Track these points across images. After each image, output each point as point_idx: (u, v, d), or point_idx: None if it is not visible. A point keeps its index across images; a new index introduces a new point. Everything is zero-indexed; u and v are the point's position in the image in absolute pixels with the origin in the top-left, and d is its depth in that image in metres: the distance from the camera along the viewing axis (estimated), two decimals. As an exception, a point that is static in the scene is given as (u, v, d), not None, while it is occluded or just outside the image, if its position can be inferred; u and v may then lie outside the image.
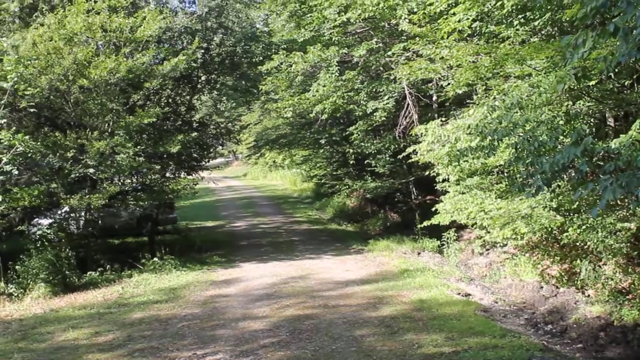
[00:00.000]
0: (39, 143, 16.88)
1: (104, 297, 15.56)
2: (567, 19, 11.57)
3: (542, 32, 14.26)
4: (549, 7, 12.60)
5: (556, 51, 10.80)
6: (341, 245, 24.11)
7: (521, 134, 8.96)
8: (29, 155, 16.44)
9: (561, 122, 9.48)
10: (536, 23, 13.20)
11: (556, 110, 10.16)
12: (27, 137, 15.95)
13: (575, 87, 10.11)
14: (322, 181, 35.98)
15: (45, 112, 18.95)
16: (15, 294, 15.68)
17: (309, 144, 34.06)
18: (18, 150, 15.83)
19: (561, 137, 8.81)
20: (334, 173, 32.12)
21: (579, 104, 11.22)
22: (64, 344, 11.36)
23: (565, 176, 8.57)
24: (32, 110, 17.37)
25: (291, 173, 50.81)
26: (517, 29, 13.83)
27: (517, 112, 9.71)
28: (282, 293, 14.94)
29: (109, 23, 18.62)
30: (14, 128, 16.48)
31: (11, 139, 15.51)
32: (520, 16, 13.56)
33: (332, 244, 24.60)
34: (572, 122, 9.71)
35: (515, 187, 9.22)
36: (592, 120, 12.10)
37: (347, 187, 28.74)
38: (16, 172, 16.47)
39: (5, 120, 16.40)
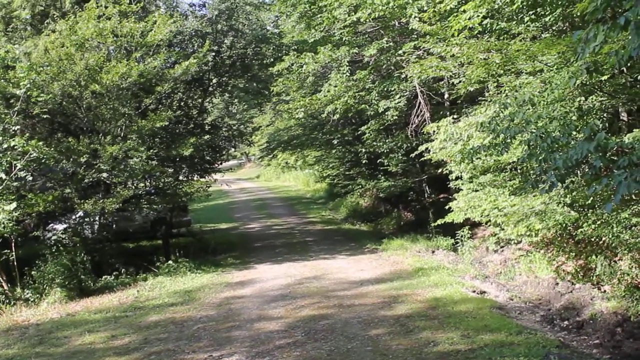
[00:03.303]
0: (52, 149, 17.00)
1: (120, 301, 15.61)
2: (578, 13, 11.53)
3: (553, 28, 14.21)
4: (559, 3, 12.54)
5: (567, 47, 10.75)
6: (355, 244, 24.10)
7: (534, 131, 8.93)
8: (43, 161, 16.53)
9: (574, 118, 9.43)
10: (547, 19, 13.15)
11: (568, 106, 10.11)
12: (40, 143, 16.05)
13: (588, 82, 10.05)
14: (335, 181, 35.94)
15: (58, 118, 19.06)
16: (32, 299, 15.77)
17: (321, 145, 34.06)
18: (32, 156, 15.93)
19: (574, 133, 8.77)
20: (347, 173, 32.08)
21: (591, 99, 11.16)
22: (80, 347, 11.40)
23: (579, 172, 8.52)
24: (45, 116, 17.46)
25: (304, 174, 50.84)
26: (528, 25, 13.77)
27: (529, 109, 9.68)
28: (297, 293, 14.95)
29: (119, 28, 18.72)
30: (28, 134, 16.58)
31: (25, 145, 15.60)
32: (530, 12, 13.50)
33: (346, 243, 24.59)
34: (585, 118, 9.65)
35: (529, 184, 9.19)
36: (605, 115, 12.02)
37: (360, 186, 28.67)
38: (30, 178, 16.58)
39: (18, 126, 16.48)
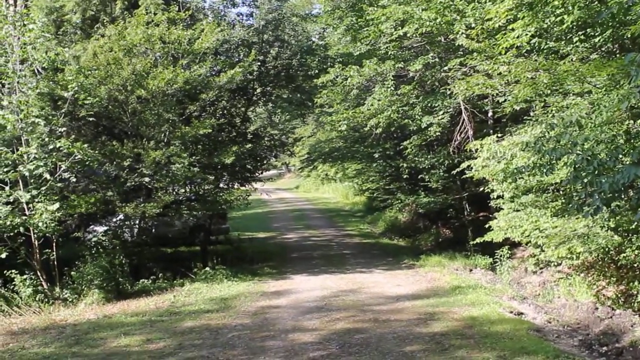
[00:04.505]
0: (96, 151, 17.20)
1: (156, 305, 15.70)
2: (629, 35, 11.38)
3: (603, 49, 14.04)
4: (610, 24, 12.39)
5: (618, 69, 10.61)
6: (392, 259, 23.98)
7: (580, 153, 8.81)
8: (87, 163, 16.75)
9: (621, 141, 9.30)
10: (596, 40, 12.99)
11: (616, 129, 9.98)
12: (85, 145, 16.26)
13: (637, 105, 9.92)
14: (374, 195, 35.90)
15: (104, 122, 19.27)
16: (70, 299, 15.92)
17: (362, 158, 34.01)
18: (76, 158, 16.15)
19: (621, 157, 8.64)
20: (387, 187, 31.99)
21: (640, 122, 11.02)
22: (116, 350, 11.47)
23: (624, 196, 8.39)
24: (91, 119, 17.69)
25: (343, 186, 50.85)
26: (577, 46, 13.63)
27: (575, 131, 9.56)
28: (333, 306, 14.89)
29: (167, 35, 18.91)
30: (73, 136, 16.82)
31: (70, 146, 15.83)
32: (580, 33, 13.37)
33: (384, 258, 24.49)
34: (633, 141, 9.52)
35: (573, 206, 9.07)
36: (653, 139, 11.85)
37: (400, 201, 28.52)
38: (74, 180, 16.82)
39: (65, 128, 16.73)
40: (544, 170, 9.96)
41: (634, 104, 9.20)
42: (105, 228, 19.62)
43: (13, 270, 15.41)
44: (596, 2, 12.36)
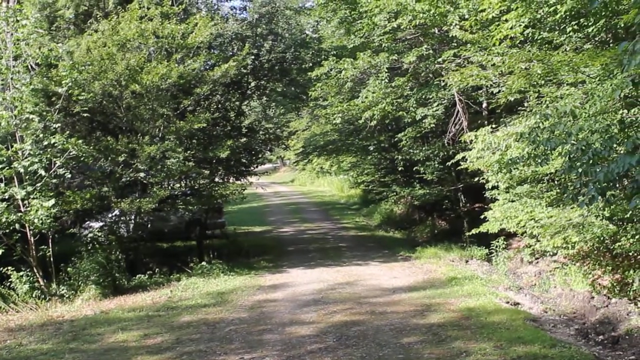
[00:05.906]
0: (91, 147, 17.20)
1: (153, 300, 15.71)
2: (622, 25, 11.40)
3: (596, 39, 14.06)
4: (603, 14, 12.41)
5: (611, 59, 10.62)
6: (388, 252, 23.99)
7: (574, 143, 8.83)
8: (82, 159, 16.77)
9: (615, 131, 9.31)
10: (590, 29, 13.01)
11: (610, 119, 9.99)
12: (80, 141, 16.24)
13: (631, 95, 9.93)
14: (370, 188, 35.89)
15: (98, 117, 19.22)
16: (67, 295, 15.92)
17: (357, 151, 34.00)
18: (71, 154, 16.16)
19: (616, 146, 8.66)
20: (382, 180, 31.98)
21: (634, 111, 11.02)
22: (113, 345, 11.50)
23: (619, 185, 8.40)
24: (85, 114, 17.65)
25: (338, 179, 50.87)
26: (570, 36, 13.64)
27: (570, 121, 9.57)
28: (329, 299, 14.92)
29: (161, 29, 18.86)
30: (68, 132, 16.77)
31: (65, 142, 15.82)
32: (573, 23, 13.39)
33: (380, 250, 24.51)
34: (627, 131, 9.53)
35: (568, 196, 9.09)
36: (647, 128, 11.85)
37: (395, 193, 28.49)
38: (69, 176, 16.76)
39: (59, 124, 16.68)
40: (539, 161, 9.98)
41: (627, 93, 9.22)
42: (101, 224, 19.60)
43: (9, 267, 15.41)
44: (589, -8, 12.37)
